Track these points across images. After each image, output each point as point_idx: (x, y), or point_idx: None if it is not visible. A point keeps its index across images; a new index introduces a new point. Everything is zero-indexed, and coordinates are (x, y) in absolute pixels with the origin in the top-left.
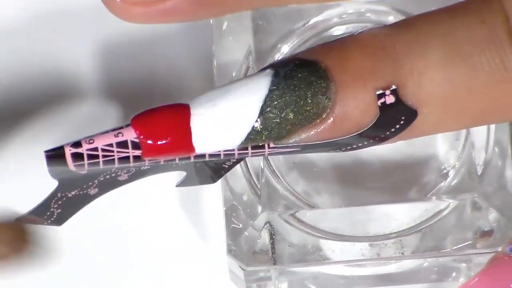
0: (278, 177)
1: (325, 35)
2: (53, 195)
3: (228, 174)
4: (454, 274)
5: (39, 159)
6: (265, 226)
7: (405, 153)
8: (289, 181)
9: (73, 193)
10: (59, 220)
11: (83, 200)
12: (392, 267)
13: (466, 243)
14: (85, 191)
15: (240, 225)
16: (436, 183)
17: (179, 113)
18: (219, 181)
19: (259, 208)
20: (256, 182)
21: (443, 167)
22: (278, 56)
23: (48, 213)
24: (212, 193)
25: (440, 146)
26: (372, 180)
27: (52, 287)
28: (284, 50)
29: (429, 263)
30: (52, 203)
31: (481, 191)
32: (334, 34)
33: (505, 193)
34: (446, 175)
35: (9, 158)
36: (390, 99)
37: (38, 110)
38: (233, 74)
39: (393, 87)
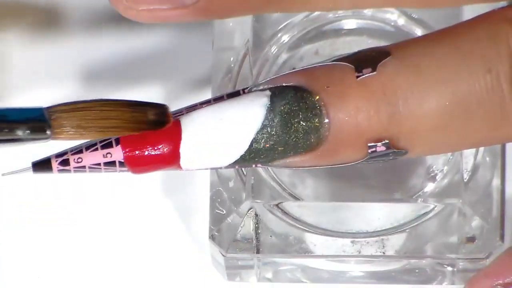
0: None
1: (326, 28)
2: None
3: None
4: (439, 278)
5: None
6: (249, 215)
7: None
8: (275, 170)
9: None
10: None
11: None
12: (375, 266)
13: (448, 248)
14: None
15: (224, 211)
16: (423, 186)
17: (170, 137)
18: None
19: (244, 196)
20: (243, 169)
21: (431, 170)
22: (275, 49)
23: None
24: (201, 177)
25: None
26: (359, 177)
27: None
28: (284, 39)
29: (411, 264)
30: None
31: (466, 197)
32: (334, 28)
33: (490, 201)
34: (433, 178)
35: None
36: (381, 149)
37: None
38: (231, 60)
39: (386, 141)
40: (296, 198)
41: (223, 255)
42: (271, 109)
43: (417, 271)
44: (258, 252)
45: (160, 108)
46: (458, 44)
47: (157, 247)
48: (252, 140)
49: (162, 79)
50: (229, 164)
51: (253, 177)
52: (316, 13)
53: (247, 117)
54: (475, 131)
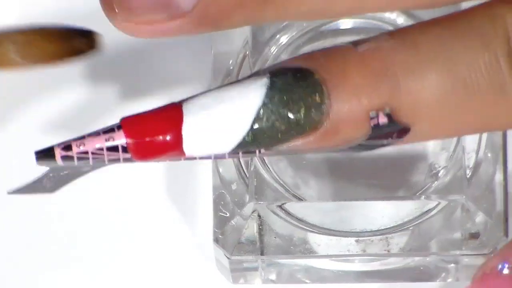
0: (267, 166)
1: (324, 28)
2: (45, 175)
3: (219, 161)
4: (443, 275)
5: (30, 146)
6: (253, 217)
7: (396, 151)
8: (278, 172)
9: (65, 172)
10: (51, 190)
11: (76, 175)
12: (379, 264)
13: (452, 244)
14: (77, 170)
15: (228, 213)
16: (426, 183)
17: (172, 120)
18: (210, 168)
19: (247, 198)
20: (246, 171)
21: (433, 167)
22: (274, 49)
23: (40, 187)
24: (203, 180)
25: (432, 146)
26: (362, 176)
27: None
28: (282, 41)
29: (416, 262)
30: (44, 181)
31: (469, 193)
32: (333, 29)
33: (493, 197)
34: (436, 175)
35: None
36: (383, 120)
37: (35, 108)
38: (230, 62)
39: (387, 110)
40: (299, 199)
41: (228, 257)
42: (271, 87)
43: (421, 268)
44: (262, 254)
45: (88, 37)
46: (455, 24)
47: (160, 252)
48: (254, 118)
49: (162, 83)
50: (232, 149)
51: (255, 179)
52: None
53: (248, 95)
54: (475, 108)
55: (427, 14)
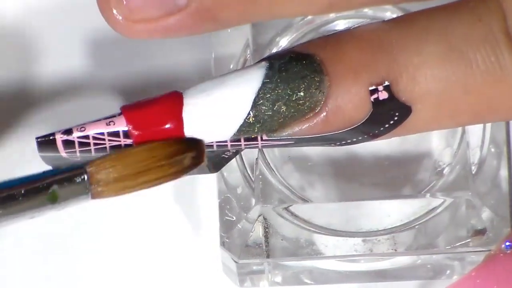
0: (273, 170)
1: (324, 29)
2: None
3: None
4: (448, 272)
5: (34, 147)
6: (259, 220)
7: (400, 149)
8: (283, 175)
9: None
10: None
11: None
12: (386, 264)
13: (459, 241)
14: None
15: (234, 217)
16: (431, 180)
17: (172, 103)
18: (214, 173)
19: (253, 201)
20: (251, 175)
21: (438, 165)
22: (275, 50)
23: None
24: (207, 185)
25: (436, 143)
26: (366, 175)
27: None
28: (282, 43)
29: (422, 260)
30: None
31: (475, 189)
32: (332, 29)
33: (499, 192)
34: (440, 173)
35: (6, 148)
36: (383, 95)
37: (35, 102)
38: (231, 67)
39: (386, 83)
40: (305, 200)
41: (235, 261)
42: (270, 68)
43: (428, 266)
44: (269, 256)
45: (198, 152)
46: (447, 4)
47: (166, 257)
48: (254, 99)
49: (162, 87)
50: (234, 133)
51: (261, 182)
52: None
53: (247, 77)
54: (474, 87)
55: None
